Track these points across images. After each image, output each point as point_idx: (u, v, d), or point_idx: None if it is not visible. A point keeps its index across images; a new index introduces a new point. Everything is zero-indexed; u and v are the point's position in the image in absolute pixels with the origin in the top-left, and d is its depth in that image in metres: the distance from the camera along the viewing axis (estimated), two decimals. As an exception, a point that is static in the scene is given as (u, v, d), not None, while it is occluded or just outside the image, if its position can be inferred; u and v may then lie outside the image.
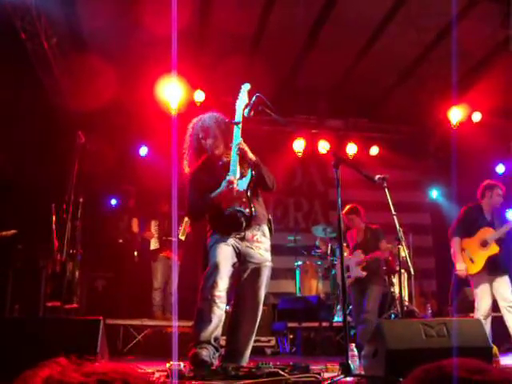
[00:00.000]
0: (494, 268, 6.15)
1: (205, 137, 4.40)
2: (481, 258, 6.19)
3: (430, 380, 1.10)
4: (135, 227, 8.95)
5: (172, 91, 8.44)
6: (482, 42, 8.40)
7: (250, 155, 4.23)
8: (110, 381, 0.99)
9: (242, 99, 4.34)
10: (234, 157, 4.20)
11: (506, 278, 6.15)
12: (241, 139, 4.22)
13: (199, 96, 9.00)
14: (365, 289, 6.72)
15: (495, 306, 6.32)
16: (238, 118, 4.28)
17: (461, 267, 6.26)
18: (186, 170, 4.48)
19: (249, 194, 4.12)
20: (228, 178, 4.11)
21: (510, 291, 6.09)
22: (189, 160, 4.49)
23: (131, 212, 9.31)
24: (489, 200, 6.37)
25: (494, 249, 6.14)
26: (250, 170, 4.18)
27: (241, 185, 4.12)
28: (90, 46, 8.34)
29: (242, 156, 4.20)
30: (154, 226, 8.78)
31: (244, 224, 4.08)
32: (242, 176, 4.18)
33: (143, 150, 10.00)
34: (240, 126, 4.26)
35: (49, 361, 1.33)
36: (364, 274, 6.73)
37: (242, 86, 4.43)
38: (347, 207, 6.96)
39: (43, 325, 3.28)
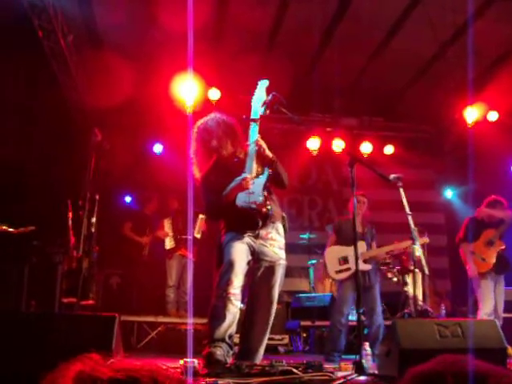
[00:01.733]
0: (503, 266, 6.57)
1: (209, 139, 4.38)
2: (491, 256, 6.55)
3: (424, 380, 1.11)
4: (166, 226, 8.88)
5: (187, 89, 8.45)
6: (498, 41, 8.34)
7: (268, 152, 4.21)
8: (139, 377, 1.01)
9: (260, 96, 4.32)
10: (250, 154, 4.19)
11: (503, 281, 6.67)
12: (258, 136, 4.21)
13: (214, 94, 8.98)
14: (369, 287, 6.30)
15: (507, 308, 6.51)
16: (255, 114, 4.25)
17: (472, 267, 6.66)
18: (197, 174, 4.46)
19: (265, 192, 4.12)
20: (243, 175, 4.11)
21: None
22: (198, 164, 4.48)
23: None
24: (480, 213, 6.91)
25: (500, 245, 6.57)
26: (266, 168, 4.17)
27: (257, 183, 4.11)
28: (106, 44, 8.40)
29: (259, 153, 4.19)
30: (167, 225, 8.79)
31: (260, 223, 4.09)
32: (258, 174, 4.18)
33: (158, 148, 10.03)
34: (258, 123, 4.24)
35: (81, 356, 1.36)
36: (369, 267, 6.33)
37: (260, 83, 4.40)
38: (360, 192, 6.56)
39: (59, 321, 3.30)
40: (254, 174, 4.15)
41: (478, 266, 6.56)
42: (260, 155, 4.20)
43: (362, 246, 6.28)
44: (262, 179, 4.13)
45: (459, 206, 11.03)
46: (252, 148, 4.17)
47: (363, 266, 6.19)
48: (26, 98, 7.18)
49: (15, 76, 7.04)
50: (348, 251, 6.36)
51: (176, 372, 3.52)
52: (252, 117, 4.25)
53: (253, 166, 4.17)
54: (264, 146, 4.20)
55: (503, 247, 6.53)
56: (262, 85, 4.38)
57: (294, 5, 7.74)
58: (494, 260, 6.48)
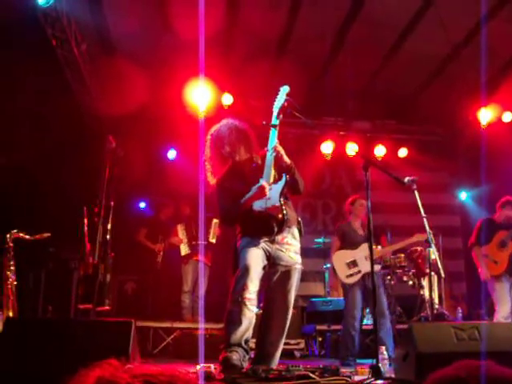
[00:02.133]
0: None
1: (222, 145, 4.41)
2: (503, 259, 6.44)
3: None
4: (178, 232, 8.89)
5: (200, 95, 8.48)
6: (511, 42, 8.29)
7: (286, 158, 4.19)
8: (157, 382, 1.01)
9: (281, 101, 4.32)
10: (268, 160, 4.18)
11: None
12: (276, 141, 4.21)
13: (227, 99, 9.00)
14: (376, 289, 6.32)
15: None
16: (275, 120, 4.27)
17: (484, 272, 6.57)
18: (212, 181, 4.46)
19: (282, 199, 4.11)
20: (260, 183, 4.12)
21: None
22: (213, 170, 4.48)
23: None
24: (499, 217, 6.74)
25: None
26: (284, 174, 4.17)
27: (275, 189, 4.11)
28: (119, 51, 8.45)
29: (277, 159, 4.18)
30: (181, 231, 8.80)
31: (276, 229, 4.09)
32: (276, 180, 4.18)
33: (171, 154, 10.06)
34: (277, 128, 4.24)
35: (100, 362, 1.37)
36: (378, 267, 6.36)
37: (281, 88, 4.40)
38: (358, 195, 6.70)
39: (76, 326, 3.32)
40: (271, 181, 4.15)
41: (491, 269, 6.48)
42: (278, 161, 4.19)
43: (366, 248, 6.18)
44: (280, 185, 4.13)
45: (474, 209, 10.96)
46: (270, 154, 4.17)
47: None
48: (39, 106, 7.24)
49: (29, 84, 7.10)
50: (355, 254, 6.38)
51: (195, 377, 3.53)
52: (272, 123, 4.25)
53: (271, 173, 4.16)
54: (282, 151, 4.19)
55: None
56: (284, 90, 4.36)
57: (306, 8, 7.74)
58: (506, 263, 6.39)
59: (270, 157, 4.17)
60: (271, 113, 4.28)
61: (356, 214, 6.54)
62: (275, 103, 4.31)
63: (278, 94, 4.33)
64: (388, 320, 6.19)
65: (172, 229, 8.94)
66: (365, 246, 6.23)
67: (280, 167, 4.21)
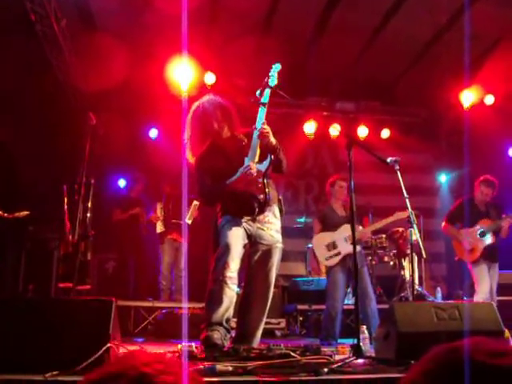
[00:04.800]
0: (490, 256, 6.49)
1: (209, 122, 4.32)
2: (478, 248, 6.46)
3: (442, 363, 1.06)
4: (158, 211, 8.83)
5: (182, 73, 8.38)
6: (495, 24, 8.29)
7: (272, 139, 4.14)
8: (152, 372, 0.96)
9: (273, 80, 4.26)
10: (254, 139, 4.13)
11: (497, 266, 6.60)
12: (264, 121, 4.16)
13: (210, 78, 8.91)
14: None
15: (504, 291, 6.55)
16: (265, 98, 4.21)
17: (468, 241, 6.53)
18: (191, 158, 4.39)
19: (265, 179, 4.08)
20: (246, 162, 4.08)
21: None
22: (192, 148, 4.41)
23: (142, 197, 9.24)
24: (479, 195, 6.71)
25: (490, 239, 6.45)
26: (269, 155, 4.12)
27: (260, 168, 4.07)
28: (100, 27, 8.31)
29: (264, 138, 4.12)
30: (159, 209, 8.76)
31: (257, 210, 4.06)
32: (260, 159, 4.13)
33: (153, 132, 9.97)
34: (266, 107, 4.19)
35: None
36: (358, 248, 6.29)
37: (273, 66, 4.34)
38: (338, 176, 6.56)
39: (56, 306, 3.29)
40: (256, 160, 4.11)
41: (467, 254, 6.54)
42: (264, 140, 4.13)
43: (347, 228, 6.06)
44: (264, 166, 4.09)
45: (455, 191, 11.04)
46: (257, 133, 4.11)
47: (351, 248, 6.11)
48: (19, 82, 7.11)
49: (7, 60, 6.97)
50: (334, 236, 6.34)
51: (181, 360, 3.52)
52: (262, 101, 4.20)
53: (256, 152, 4.12)
54: (270, 131, 4.14)
55: (493, 242, 6.42)
56: (275, 69, 4.32)
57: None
58: (480, 253, 6.39)
59: (255, 136, 4.12)
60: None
61: (336, 196, 6.49)
62: (267, 81, 4.25)
63: (269, 72, 4.28)
64: (374, 301, 6.19)
65: (146, 204, 8.89)
66: (344, 228, 6.18)
67: (265, 147, 4.16)
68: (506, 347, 1.01)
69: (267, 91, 4.20)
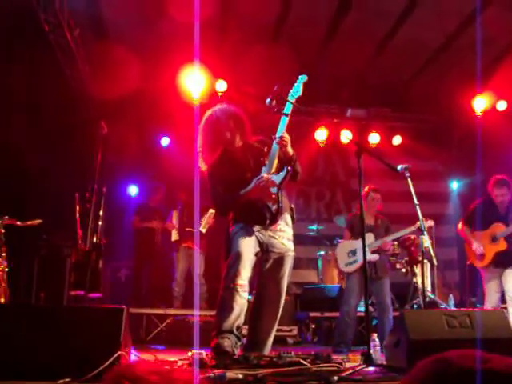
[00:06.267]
0: (502, 262, 6.22)
1: (222, 132, 4.33)
2: (489, 253, 6.26)
3: (430, 372, 1.10)
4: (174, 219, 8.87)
5: (194, 81, 8.42)
6: (506, 29, 8.25)
7: (290, 148, 4.15)
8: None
9: (296, 91, 4.26)
10: (274, 148, 4.13)
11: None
12: (284, 131, 4.15)
13: (221, 86, 8.93)
14: (376, 279, 6.30)
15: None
16: (288, 109, 4.21)
17: (476, 246, 6.30)
18: (203, 167, 4.40)
19: (280, 191, 4.08)
20: (262, 173, 4.09)
21: None
22: (204, 157, 4.41)
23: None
24: (497, 198, 6.37)
25: (502, 245, 6.20)
26: (285, 167, 4.11)
27: (275, 179, 4.08)
28: (113, 36, 8.37)
29: (282, 149, 4.11)
30: (175, 217, 8.79)
31: (268, 220, 4.07)
32: (277, 170, 4.14)
33: (165, 141, 10.01)
34: (288, 117, 4.19)
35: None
36: (377, 257, 6.30)
37: (299, 77, 4.34)
38: (372, 186, 6.51)
39: (68, 313, 3.31)
40: (273, 170, 4.12)
41: (477, 259, 6.37)
42: (282, 151, 4.14)
43: (369, 237, 6.28)
44: (280, 177, 4.09)
45: (467, 197, 10.97)
46: (277, 142, 4.12)
47: (369, 257, 6.14)
48: (32, 91, 7.17)
49: (21, 69, 7.04)
50: (356, 244, 6.40)
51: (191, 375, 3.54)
52: (285, 111, 4.20)
53: (274, 162, 4.12)
54: (289, 141, 4.14)
55: (504, 248, 6.17)
56: (301, 80, 4.32)
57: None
58: (490, 258, 6.19)
59: (276, 146, 4.13)
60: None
61: (368, 207, 6.50)
62: (291, 92, 4.25)
63: (294, 83, 4.28)
64: (390, 314, 6.20)
65: (166, 214, 8.93)
66: (367, 236, 6.16)
67: (283, 155, 4.17)
68: (487, 355, 1.05)
69: (290, 102, 4.19)
